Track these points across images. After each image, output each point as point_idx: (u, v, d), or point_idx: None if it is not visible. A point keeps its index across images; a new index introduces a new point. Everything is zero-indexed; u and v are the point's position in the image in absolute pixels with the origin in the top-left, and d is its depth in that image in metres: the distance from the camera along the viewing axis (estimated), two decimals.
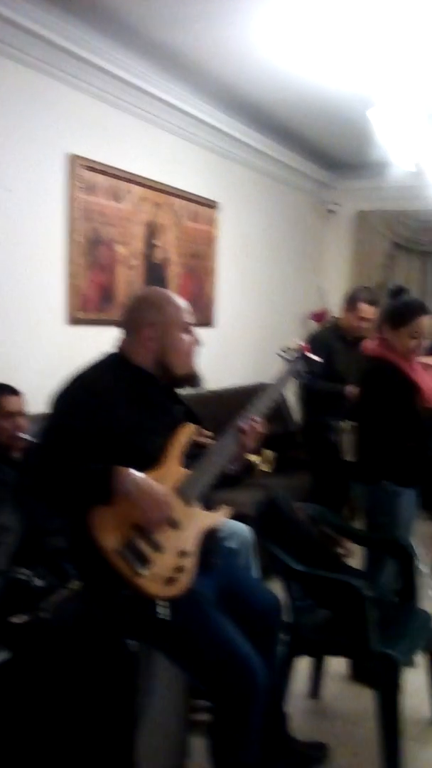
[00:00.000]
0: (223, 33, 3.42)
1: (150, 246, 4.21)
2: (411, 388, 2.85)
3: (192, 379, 2.20)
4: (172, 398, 2.20)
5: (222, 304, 5.01)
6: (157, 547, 1.91)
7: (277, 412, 4.88)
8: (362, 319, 4.01)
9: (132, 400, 2.03)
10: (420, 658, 2.65)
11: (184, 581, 1.92)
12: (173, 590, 1.89)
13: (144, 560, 1.87)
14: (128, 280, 4.01)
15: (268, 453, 2.74)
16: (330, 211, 6.26)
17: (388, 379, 2.81)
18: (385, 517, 2.89)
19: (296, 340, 2.52)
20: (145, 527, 1.90)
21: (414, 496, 2.98)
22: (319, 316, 5.97)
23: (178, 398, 2.24)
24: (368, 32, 3.30)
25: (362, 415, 3.00)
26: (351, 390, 3.71)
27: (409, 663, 2.72)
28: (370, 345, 2.97)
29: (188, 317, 2.15)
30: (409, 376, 2.85)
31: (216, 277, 4.92)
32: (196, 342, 2.17)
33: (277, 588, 2.50)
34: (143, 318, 2.09)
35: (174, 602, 1.88)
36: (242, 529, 2.83)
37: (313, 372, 2.50)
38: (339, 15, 3.15)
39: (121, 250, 3.97)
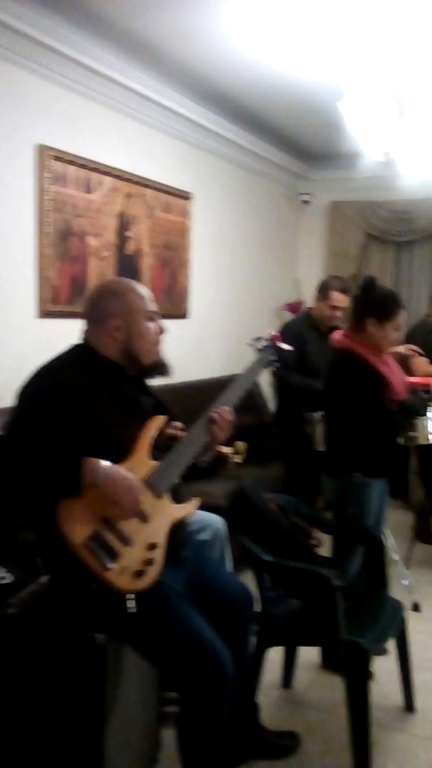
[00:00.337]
0: (193, 22, 3.40)
1: (122, 237, 4.18)
2: (379, 380, 2.86)
3: (159, 369, 2.19)
4: (140, 389, 2.19)
5: (196, 296, 4.99)
6: (125, 540, 1.90)
7: (251, 403, 4.89)
8: (334, 308, 4.02)
9: (99, 391, 2.02)
10: (391, 646, 2.69)
11: (153, 574, 1.91)
12: (142, 583, 1.89)
13: (113, 554, 1.87)
14: (100, 272, 3.98)
15: (241, 444, 2.73)
16: (304, 202, 6.26)
17: (357, 371, 2.82)
18: (354, 507, 2.90)
19: (267, 330, 2.53)
20: (115, 519, 1.89)
21: (383, 486, 3.00)
22: (294, 307, 5.98)
23: (147, 389, 2.24)
24: (339, 22, 3.29)
25: (331, 407, 3.01)
26: None
27: (380, 651, 2.76)
28: (338, 337, 2.97)
29: (152, 306, 2.14)
30: (377, 369, 2.86)
31: (189, 268, 4.90)
32: (162, 330, 2.16)
33: (249, 579, 2.52)
34: (107, 309, 2.08)
35: (142, 595, 1.87)
36: (215, 520, 2.83)
37: (284, 361, 2.52)
38: (309, 4, 3.13)
39: (92, 241, 3.94)
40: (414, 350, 3.64)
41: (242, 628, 2.24)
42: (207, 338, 5.13)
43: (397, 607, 2.65)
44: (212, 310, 5.22)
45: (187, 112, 4.52)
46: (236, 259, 5.48)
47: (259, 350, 2.51)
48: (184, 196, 4.75)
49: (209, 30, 3.47)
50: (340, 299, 4.01)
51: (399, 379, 2.95)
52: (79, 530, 1.85)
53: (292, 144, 5.55)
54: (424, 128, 3.34)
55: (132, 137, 4.22)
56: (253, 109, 4.72)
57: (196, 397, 3.39)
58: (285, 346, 2.54)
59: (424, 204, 5.76)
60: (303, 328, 4.07)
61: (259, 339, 2.55)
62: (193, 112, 4.56)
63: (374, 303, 2.87)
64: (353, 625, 2.33)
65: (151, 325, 2.13)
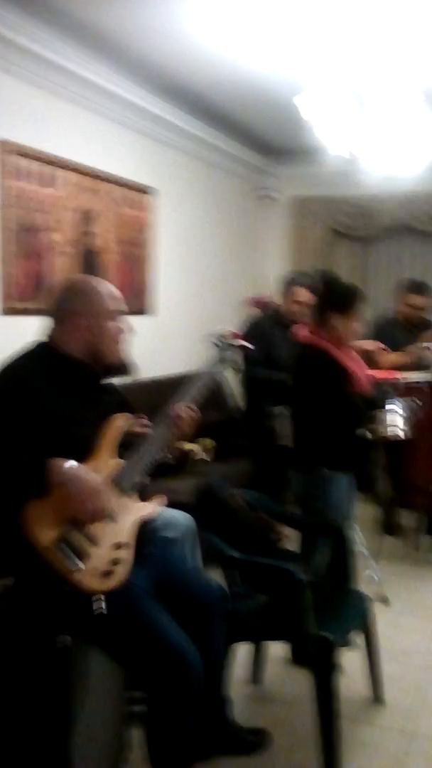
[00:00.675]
0: (155, 17, 3.37)
1: (85, 233, 4.13)
2: (344, 374, 2.88)
3: (123, 368, 2.18)
4: (103, 388, 2.17)
5: (160, 292, 4.97)
6: (92, 541, 1.88)
7: (218, 400, 4.88)
8: (298, 303, 4.03)
9: (59, 389, 2.00)
10: (358, 639, 2.70)
11: (122, 573, 1.90)
12: (110, 583, 1.87)
13: (80, 555, 1.85)
14: (63, 268, 3.93)
15: (207, 441, 2.74)
16: (269, 198, 6.26)
17: (321, 365, 2.83)
18: (321, 502, 2.92)
19: (227, 326, 2.52)
20: (81, 519, 1.87)
21: (349, 480, 3.02)
22: (259, 302, 5.98)
23: (110, 388, 2.21)
24: (299, 16, 3.29)
25: (297, 402, 3.01)
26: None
27: (346, 643, 2.77)
28: (301, 331, 2.98)
29: (116, 304, 2.12)
30: (341, 362, 2.87)
31: (153, 264, 4.87)
32: (126, 329, 2.14)
33: (217, 575, 2.51)
34: (72, 307, 2.06)
35: (107, 595, 1.85)
36: (183, 518, 2.81)
37: (247, 357, 2.52)
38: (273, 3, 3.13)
39: (55, 237, 3.89)
40: (380, 348, 3.66)
41: (214, 625, 2.22)
42: (172, 334, 5.11)
43: (361, 599, 2.67)
44: (177, 306, 5.20)
45: (150, 107, 4.49)
46: (200, 255, 5.46)
47: (218, 347, 2.51)
48: (147, 191, 4.72)
49: (171, 24, 3.45)
50: (304, 295, 4.01)
51: (363, 373, 2.97)
52: (46, 532, 1.83)
53: (256, 139, 5.54)
54: (385, 123, 3.35)
55: (95, 132, 4.18)
56: (216, 105, 4.70)
57: (162, 393, 3.35)
58: (246, 344, 2.54)
59: (388, 200, 5.79)
60: (268, 324, 4.08)
61: (217, 335, 2.55)
62: (156, 107, 4.54)
63: (336, 297, 2.90)
64: (320, 619, 2.33)
65: (115, 325, 2.11)
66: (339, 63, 3.80)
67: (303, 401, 2.92)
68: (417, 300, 4.60)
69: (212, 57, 3.83)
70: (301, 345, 2.95)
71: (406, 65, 3.25)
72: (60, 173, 3.88)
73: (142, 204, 4.69)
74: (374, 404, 3.13)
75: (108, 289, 2.13)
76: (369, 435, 3.56)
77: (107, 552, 1.90)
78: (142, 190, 4.66)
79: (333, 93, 3.31)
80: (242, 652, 2.67)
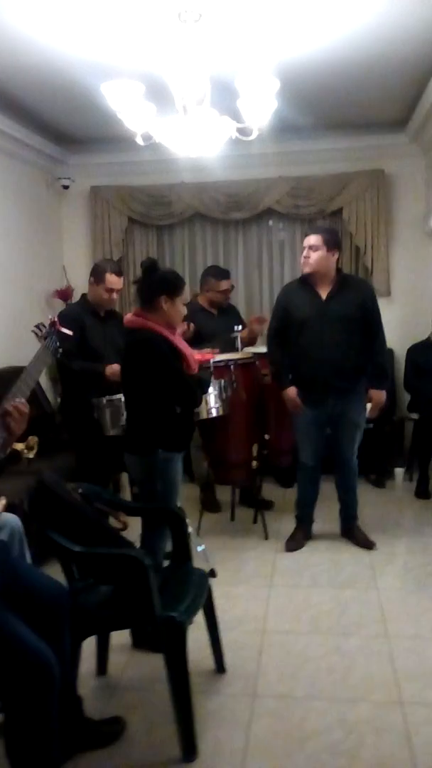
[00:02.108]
0: None
1: None
2: (178, 354, 2.95)
3: None
4: None
5: None
6: None
7: (32, 394, 4.74)
8: (110, 290, 4.01)
9: None
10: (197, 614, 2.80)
11: None
12: None
13: None
14: None
15: (33, 438, 2.66)
16: (64, 187, 6.14)
17: (155, 348, 2.88)
18: (161, 483, 2.97)
19: (47, 317, 2.49)
20: None
21: (181, 460, 3.11)
22: (63, 294, 5.88)
23: None
24: (104, 2, 3.27)
25: (131, 387, 3.03)
26: (111, 371, 3.75)
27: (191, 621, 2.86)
28: (130, 317, 3.00)
29: None
30: (174, 344, 2.94)
31: None
32: None
33: (53, 573, 2.46)
34: None
35: None
36: (10, 518, 2.74)
37: (65, 348, 2.51)
38: None
39: None
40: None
41: (60, 624, 2.20)
42: None
43: (202, 576, 2.76)
44: None
45: None
46: None
47: (44, 338, 2.47)
48: None
49: None
50: (116, 281, 4.01)
51: (192, 355, 3.06)
52: None
53: (48, 127, 5.39)
54: (180, 113, 3.43)
55: None
56: (8, 91, 4.51)
57: None
58: (66, 331, 2.52)
59: (181, 188, 5.94)
60: (81, 313, 4.02)
61: (41, 326, 2.51)
62: None
63: (163, 281, 2.96)
64: (166, 600, 2.39)
65: None
66: (136, 51, 3.84)
67: (139, 385, 2.94)
68: (221, 285, 4.81)
69: (3, 37, 3.67)
70: (132, 330, 2.96)
71: (197, 55, 3.33)
72: None
73: None
74: (204, 385, 3.24)
75: None
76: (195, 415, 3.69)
77: None
78: None
79: (130, 83, 3.32)
80: (85, 645, 2.65)
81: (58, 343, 2.45)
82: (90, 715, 2.43)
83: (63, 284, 6.01)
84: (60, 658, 1.99)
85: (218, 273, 4.92)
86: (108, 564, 2.40)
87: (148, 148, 3.68)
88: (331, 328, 3.84)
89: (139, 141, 3.59)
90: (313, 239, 3.86)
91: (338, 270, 3.99)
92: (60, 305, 5.62)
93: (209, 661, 2.87)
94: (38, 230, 5.81)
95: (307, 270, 3.90)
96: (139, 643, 3.03)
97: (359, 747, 2.36)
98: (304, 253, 3.90)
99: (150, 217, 6.08)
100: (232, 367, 4.11)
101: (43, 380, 5.17)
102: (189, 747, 2.33)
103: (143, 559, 2.32)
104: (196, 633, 2.86)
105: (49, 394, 5.49)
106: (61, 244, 6.29)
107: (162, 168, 5.70)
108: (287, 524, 4.38)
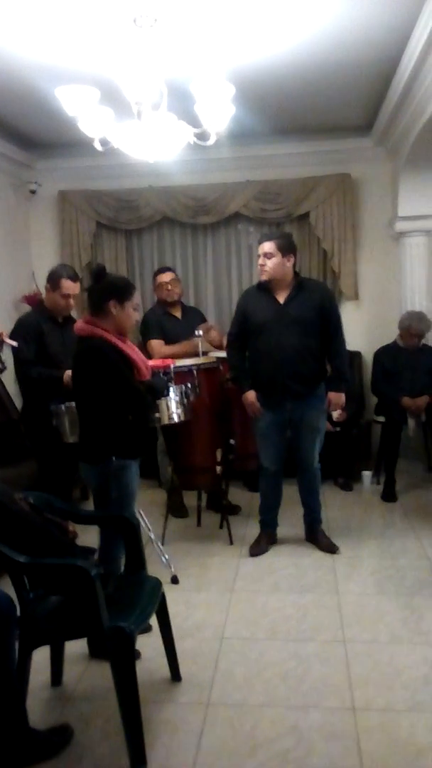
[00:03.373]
0: None
1: None
2: (126, 362, 2.93)
3: None
4: None
5: None
6: None
7: None
8: (67, 296, 3.99)
9: None
10: (154, 622, 2.78)
11: None
12: None
13: None
14: None
15: None
16: (31, 192, 6.11)
17: (105, 355, 2.86)
18: (116, 491, 2.96)
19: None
20: None
21: (137, 467, 3.09)
22: (31, 299, 5.84)
23: None
24: (59, 3, 3.26)
25: (82, 395, 3.01)
26: (68, 377, 3.72)
27: (144, 629, 2.85)
28: (80, 325, 2.98)
29: None
30: (124, 351, 2.93)
31: None
32: None
33: (3, 584, 2.44)
34: None
35: None
36: None
37: (19, 357, 2.48)
38: None
39: None
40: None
41: (5, 637, 2.17)
42: None
43: (157, 584, 2.74)
44: None
45: None
46: None
47: None
48: None
49: None
50: (72, 287, 3.99)
51: (143, 361, 3.05)
52: None
53: (14, 132, 5.37)
54: (144, 118, 3.41)
55: None
56: None
57: None
58: (11, 342, 2.50)
59: (149, 192, 5.93)
60: (38, 320, 3.99)
61: None
62: None
63: (112, 286, 2.95)
64: (115, 610, 2.37)
65: None
66: (96, 54, 3.82)
67: (90, 393, 2.93)
68: (161, 277, 4.96)
69: None
70: (82, 338, 2.94)
71: (152, 59, 3.33)
72: None
73: None
74: (156, 392, 3.23)
75: None
76: (152, 423, 3.68)
77: None
78: None
79: (90, 87, 3.30)
80: (40, 656, 2.62)
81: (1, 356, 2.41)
82: (39, 727, 2.40)
83: (32, 289, 5.97)
84: (4, 670, 1.97)
85: (159, 269, 5.12)
86: (55, 574, 2.38)
87: (114, 152, 3.68)
88: (288, 331, 3.85)
89: (97, 146, 3.58)
90: (267, 246, 3.86)
91: (296, 274, 3.99)
92: (27, 311, 5.58)
93: (165, 670, 2.85)
94: (6, 235, 5.77)
95: (264, 277, 3.90)
96: (96, 652, 3.01)
97: (309, 754, 2.35)
98: (260, 260, 3.90)
99: (118, 222, 6.07)
100: (195, 372, 4.11)
101: (10, 386, 5.13)
102: (137, 757, 2.31)
103: (89, 569, 2.29)
104: (155, 641, 2.86)
105: (17, 400, 5.45)
106: (30, 249, 6.25)
107: (130, 172, 5.69)
108: (253, 529, 4.37)
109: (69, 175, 6.10)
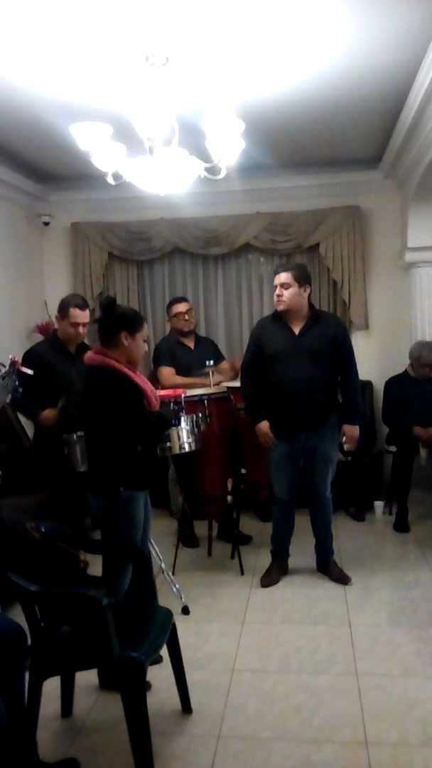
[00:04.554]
0: None
1: None
2: (136, 392, 2.96)
3: None
4: None
5: None
6: None
7: (7, 429, 4.73)
8: (76, 324, 4.04)
9: None
10: (165, 652, 2.76)
11: None
12: None
13: None
14: None
15: None
16: (45, 224, 6.21)
17: (115, 385, 2.89)
18: (123, 522, 2.96)
19: (10, 355, 2.49)
20: None
21: (147, 497, 3.10)
22: (44, 329, 5.90)
23: None
24: (71, 41, 3.34)
25: (91, 425, 3.03)
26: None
27: (155, 660, 2.83)
28: (90, 355, 3.01)
29: None
30: (134, 381, 2.95)
31: None
32: None
33: (15, 614, 2.44)
34: None
35: None
36: None
37: (26, 385, 2.52)
38: (42, 22, 3.15)
39: None
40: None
41: (15, 666, 2.17)
42: None
43: (167, 614, 2.73)
44: None
45: None
46: None
47: (2, 377, 2.48)
48: None
49: None
50: (81, 315, 4.04)
51: (152, 391, 3.07)
52: None
53: (28, 165, 5.48)
54: (156, 153, 3.48)
55: None
56: None
57: None
58: (27, 371, 2.54)
59: (160, 224, 6.02)
60: (49, 350, 4.04)
61: (0, 365, 2.53)
62: None
63: (123, 317, 2.99)
64: (126, 640, 2.37)
65: None
66: (108, 90, 3.91)
67: (99, 423, 2.94)
68: (177, 307, 5.00)
69: None
70: (92, 367, 2.97)
71: (164, 97, 3.41)
72: None
73: None
74: (166, 422, 3.24)
75: None
76: (159, 452, 3.69)
77: None
78: None
79: (103, 124, 3.38)
80: (50, 687, 2.61)
81: (17, 383, 2.46)
82: (47, 759, 2.38)
83: (44, 319, 6.03)
84: (14, 700, 1.97)
85: (174, 299, 5.16)
86: (66, 604, 2.39)
87: (126, 185, 3.74)
88: (303, 362, 3.87)
89: (110, 180, 3.65)
90: (284, 277, 3.90)
91: (311, 305, 4.02)
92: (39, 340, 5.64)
93: (175, 701, 2.83)
94: (19, 266, 5.86)
95: (281, 308, 3.93)
96: (107, 683, 2.99)
97: None
98: (277, 291, 3.93)
99: (130, 253, 6.15)
100: (205, 401, 4.13)
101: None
102: None
103: (101, 599, 2.30)
104: (166, 672, 2.84)
105: (29, 429, 5.48)
106: (43, 279, 6.34)
107: (141, 204, 5.78)
108: (264, 559, 4.35)
109: (81, 207, 6.20)
